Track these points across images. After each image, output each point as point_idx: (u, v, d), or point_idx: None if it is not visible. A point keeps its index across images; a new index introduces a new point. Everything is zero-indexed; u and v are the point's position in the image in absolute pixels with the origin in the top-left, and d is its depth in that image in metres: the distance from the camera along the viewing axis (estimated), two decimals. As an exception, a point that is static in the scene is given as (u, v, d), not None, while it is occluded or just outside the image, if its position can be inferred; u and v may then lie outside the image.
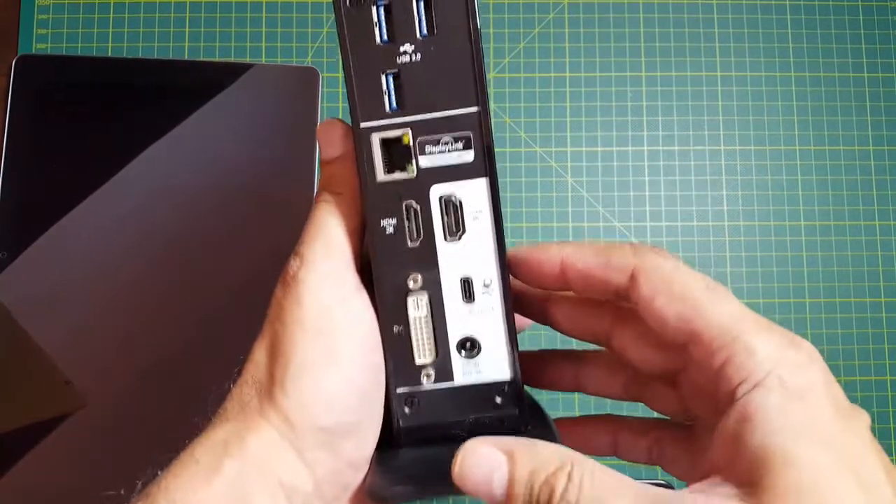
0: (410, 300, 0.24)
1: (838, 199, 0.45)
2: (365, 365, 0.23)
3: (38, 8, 0.45)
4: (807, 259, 0.45)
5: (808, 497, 0.18)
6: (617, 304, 0.25)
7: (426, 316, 0.24)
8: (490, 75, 0.46)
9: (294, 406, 0.22)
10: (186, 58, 0.45)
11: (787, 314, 0.44)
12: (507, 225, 0.44)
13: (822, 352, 0.46)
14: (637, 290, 0.22)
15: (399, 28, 0.22)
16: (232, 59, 0.45)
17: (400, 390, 0.24)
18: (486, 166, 0.23)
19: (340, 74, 0.46)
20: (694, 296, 0.21)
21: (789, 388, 0.19)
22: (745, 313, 0.21)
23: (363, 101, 0.23)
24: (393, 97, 0.23)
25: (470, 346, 0.24)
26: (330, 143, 0.25)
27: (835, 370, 0.46)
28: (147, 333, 0.42)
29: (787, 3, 0.47)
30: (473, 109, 0.23)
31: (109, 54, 0.45)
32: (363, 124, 0.23)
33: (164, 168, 0.43)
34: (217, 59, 0.45)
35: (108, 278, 0.42)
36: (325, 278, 0.23)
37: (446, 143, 0.23)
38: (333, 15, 0.23)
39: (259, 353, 0.23)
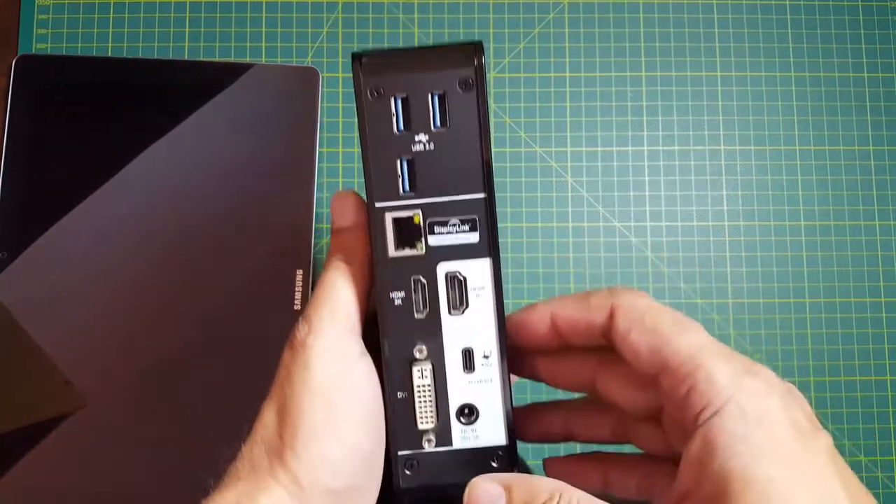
0: (415, 369, 0.25)
1: (838, 199, 0.45)
2: (369, 429, 0.25)
3: (38, 8, 0.45)
4: (807, 259, 0.45)
5: None
6: (599, 351, 0.26)
7: (429, 384, 0.26)
8: (490, 75, 0.46)
9: (304, 469, 0.23)
10: (186, 58, 0.45)
11: (787, 314, 0.44)
12: (508, 225, 0.45)
13: (822, 352, 0.47)
14: (615, 325, 0.24)
15: (415, 119, 0.25)
16: (232, 59, 0.45)
17: (401, 453, 0.26)
18: (489, 247, 0.25)
19: (341, 75, 0.46)
20: (663, 328, 0.23)
21: (748, 414, 0.21)
22: (708, 343, 0.22)
23: (378, 183, 0.25)
24: (406, 181, 0.25)
25: (468, 413, 0.26)
26: (342, 214, 0.26)
27: (834, 370, 0.46)
28: (147, 333, 0.42)
29: (787, 3, 0.47)
30: (480, 195, 0.25)
31: (109, 54, 0.45)
32: (377, 204, 0.25)
33: (164, 168, 0.43)
34: (217, 59, 0.45)
35: (109, 278, 0.42)
36: (332, 345, 0.24)
37: (454, 225, 0.25)
38: (355, 103, 0.25)
39: (268, 415, 0.24)
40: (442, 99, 0.25)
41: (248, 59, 0.45)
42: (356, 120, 0.25)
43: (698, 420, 0.21)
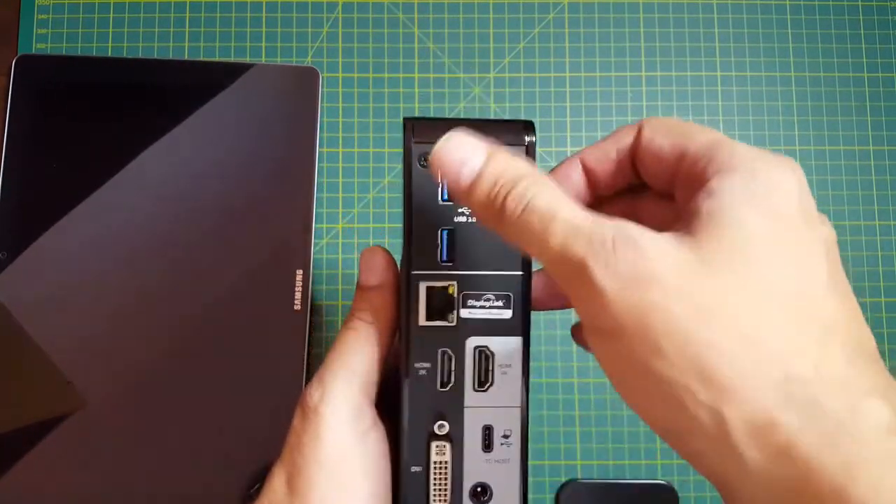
0: (434, 445, 0.25)
1: (838, 199, 0.45)
2: (379, 501, 0.24)
3: (38, 8, 0.45)
4: (807, 259, 0.45)
5: (736, 253, 0.18)
6: (629, 194, 0.26)
7: (447, 461, 0.25)
8: (490, 75, 0.46)
9: None
10: (186, 58, 0.45)
11: (787, 314, 0.44)
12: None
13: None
14: (642, 135, 0.24)
15: None
16: (232, 59, 0.45)
17: None
18: (522, 326, 0.25)
19: (341, 75, 0.46)
20: (685, 128, 0.23)
21: (759, 176, 0.20)
22: (727, 137, 0.22)
23: (418, 251, 0.25)
24: (445, 251, 0.25)
25: (482, 493, 0.25)
26: (371, 271, 0.26)
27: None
28: (147, 333, 0.42)
29: (788, 3, 0.47)
30: (517, 273, 0.25)
31: (109, 54, 0.45)
32: (414, 272, 0.25)
33: (164, 168, 0.43)
34: (217, 59, 0.45)
35: (109, 278, 0.42)
36: (345, 414, 0.24)
37: (488, 300, 0.25)
38: (402, 168, 0.25)
39: (278, 482, 0.24)
40: None
41: (248, 59, 0.45)
42: (403, 184, 0.25)
43: (708, 177, 0.20)
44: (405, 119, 0.25)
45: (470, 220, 0.25)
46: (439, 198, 0.25)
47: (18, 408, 0.41)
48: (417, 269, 0.25)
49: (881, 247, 0.45)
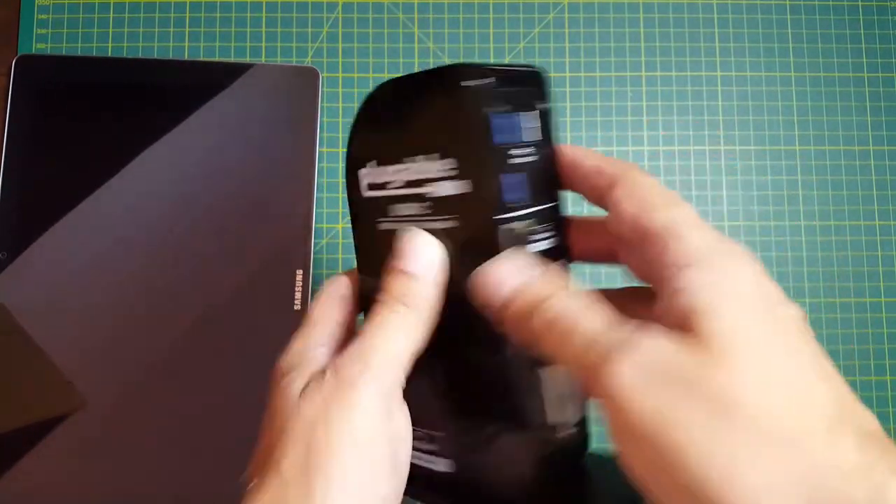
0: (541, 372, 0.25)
1: (838, 199, 0.45)
2: (395, 478, 0.24)
3: (38, 8, 0.45)
4: (807, 259, 0.45)
5: (729, 348, 0.19)
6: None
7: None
8: (490, 75, 0.46)
9: None
10: (186, 58, 0.45)
11: (787, 314, 0.44)
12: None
13: (822, 352, 0.46)
14: (612, 194, 0.24)
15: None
16: (232, 59, 0.45)
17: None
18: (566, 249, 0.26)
19: (341, 75, 0.46)
20: (650, 201, 0.23)
21: (716, 270, 0.20)
22: (689, 216, 0.22)
23: (487, 195, 0.24)
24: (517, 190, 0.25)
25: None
26: (416, 260, 0.25)
27: (835, 370, 0.45)
28: (147, 333, 0.42)
29: (788, 3, 0.47)
30: (555, 203, 0.26)
31: (109, 54, 0.45)
32: (496, 217, 0.24)
33: (164, 168, 0.43)
34: (217, 59, 0.45)
35: (109, 278, 0.42)
36: (380, 391, 0.24)
37: (545, 231, 0.25)
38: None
39: (288, 463, 0.23)
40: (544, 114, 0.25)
41: (248, 59, 0.45)
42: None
43: (669, 275, 0.21)
44: (460, 72, 0.24)
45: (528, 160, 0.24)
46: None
47: (18, 408, 0.41)
48: (499, 215, 0.24)
49: (881, 247, 0.45)
